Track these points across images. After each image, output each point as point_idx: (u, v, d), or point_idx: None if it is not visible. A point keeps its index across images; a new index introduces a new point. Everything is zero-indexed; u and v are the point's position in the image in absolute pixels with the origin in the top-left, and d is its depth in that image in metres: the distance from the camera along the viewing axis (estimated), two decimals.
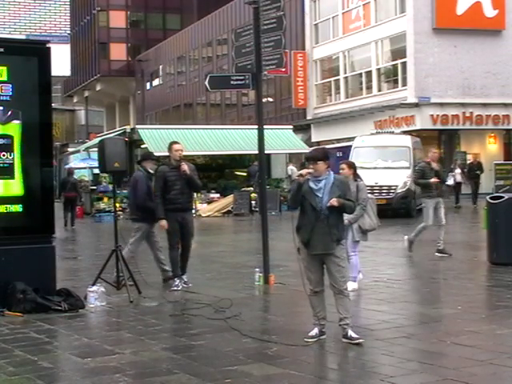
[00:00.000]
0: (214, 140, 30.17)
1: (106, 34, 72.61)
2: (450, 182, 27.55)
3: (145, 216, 10.61)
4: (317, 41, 43.39)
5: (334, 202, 6.91)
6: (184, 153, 10.65)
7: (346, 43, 40.53)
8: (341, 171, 9.64)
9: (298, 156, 36.48)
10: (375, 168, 23.87)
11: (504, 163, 33.87)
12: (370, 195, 10.37)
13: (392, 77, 38.12)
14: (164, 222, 10.19)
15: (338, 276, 7.03)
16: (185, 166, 10.21)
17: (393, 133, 29.18)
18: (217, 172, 32.49)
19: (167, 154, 10.72)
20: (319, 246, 6.98)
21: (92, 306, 9.03)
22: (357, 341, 6.90)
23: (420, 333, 7.38)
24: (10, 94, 8.95)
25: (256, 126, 11.57)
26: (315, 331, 7.10)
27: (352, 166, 9.81)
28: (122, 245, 10.14)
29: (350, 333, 6.97)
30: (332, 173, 7.16)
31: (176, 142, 10.61)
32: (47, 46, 9.43)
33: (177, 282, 10.27)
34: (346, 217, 10.02)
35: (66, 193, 23.41)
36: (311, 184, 7.01)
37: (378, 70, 38.97)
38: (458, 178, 28.66)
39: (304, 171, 7.07)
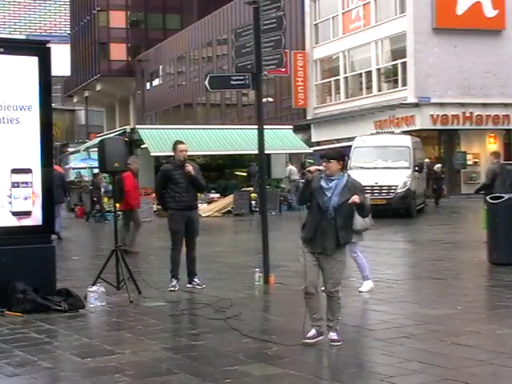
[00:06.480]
0: (213, 140, 30.17)
1: (106, 34, 72.62)
2: None
3: None
4: (317, 41, 43.38)
5: (356, 198, 6.60)
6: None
7: (346, 43, 40.52)
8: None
9: (298, 156, 36.47)
10: (375, 168, 23.86)
11: (504, 163, 33.80)
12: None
13: (392, 77, 38.10)
14: None
15: (330, 278, 6.87)
16: (189, 167, 10.18)
17: (393, 133, 29.18)
18: (217, 172, 32.45)
19: (169, 153, 10.71)
20: (320, 246, 6.83)
21: (92, 305, 9.02)
22: (335, 343, 6.80)
23: (420, 333, 7.37)
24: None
25: (256, 126, 11.56)
26: (313, 332, 6.94)
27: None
28: (121, 245, 10.12)
29: (331, 334, 6.88)
30: (346, 175, 6.91)
31: (181, 142, 10.44)
32: (47, 45, 9.43)
33: (174, 282, 10.22)
34: None
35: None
36: (322, 182, 6.81)
37: (378, 70, 38.95)
38: None
39: (312, 168, 6.91)
